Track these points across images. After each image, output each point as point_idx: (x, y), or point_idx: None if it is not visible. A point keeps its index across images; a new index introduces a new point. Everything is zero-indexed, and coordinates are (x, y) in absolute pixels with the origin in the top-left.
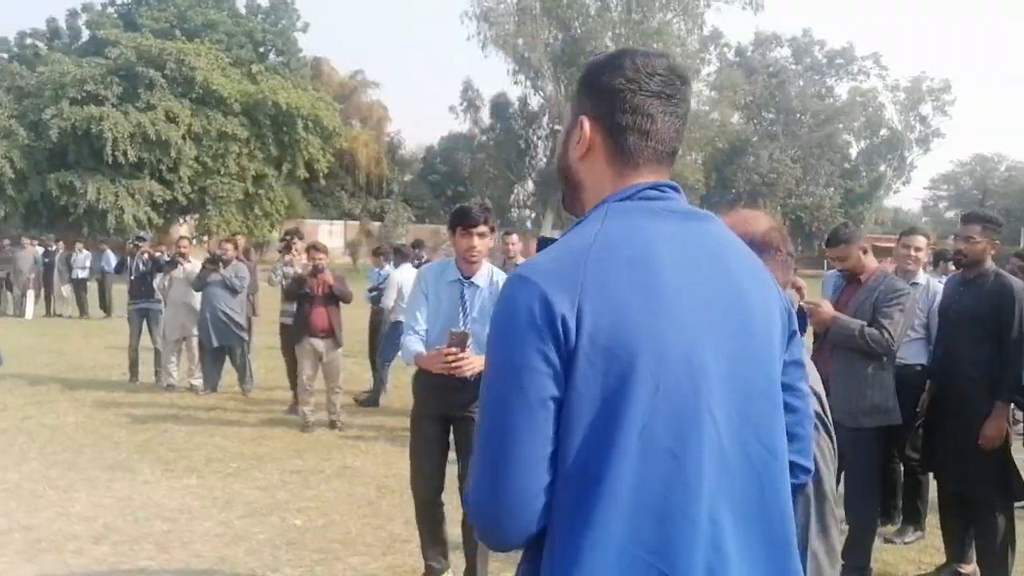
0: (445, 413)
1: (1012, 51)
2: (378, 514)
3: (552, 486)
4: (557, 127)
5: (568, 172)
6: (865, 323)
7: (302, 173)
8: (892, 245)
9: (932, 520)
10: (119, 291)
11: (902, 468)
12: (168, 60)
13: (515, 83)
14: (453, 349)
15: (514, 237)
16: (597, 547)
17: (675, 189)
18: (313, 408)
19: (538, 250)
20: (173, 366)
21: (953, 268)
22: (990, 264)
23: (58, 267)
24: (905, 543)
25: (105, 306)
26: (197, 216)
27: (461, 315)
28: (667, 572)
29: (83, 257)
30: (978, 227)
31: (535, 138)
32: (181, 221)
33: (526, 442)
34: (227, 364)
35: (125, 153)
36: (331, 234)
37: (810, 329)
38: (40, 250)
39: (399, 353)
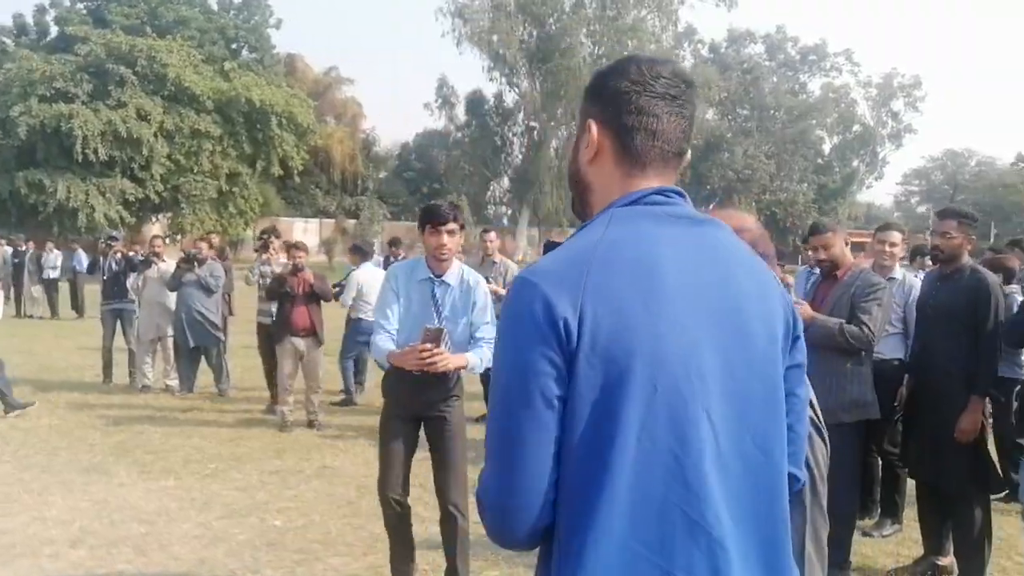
0: (416, 413)
1: (981, 47)
2: (358, 514)
3: (557, 485)
4: (533, 124)
5: (578, 176)
6: (843, 321)
7: (276, 171)
8: (865, 240)
9: (910, 513)
10: (91, 291)
11: (880, 462)
12: (139, 57)
13: (490, 80)
14: (428, 345)
15: (492, 235)
16: (599, 544)
17: (681, 195)
18: (291, 408)
19: (544, 253)
20: (148, 367)
21: (930, 263)
22: (966, 259)
23: (28, 267)
24: (883, 536)
25: (77, 306)
26: (170, 215)
27: (434, 314)
28: (668, 569)
29: (54, 257)
30: (954, 222)
31: (511, 135)
32: (153, 220)
33: (533, 441)
34: (203, 364)
35: (96, 151)
36: (306, 232)
37: None
38: (9, 250)
39: (368, 351)
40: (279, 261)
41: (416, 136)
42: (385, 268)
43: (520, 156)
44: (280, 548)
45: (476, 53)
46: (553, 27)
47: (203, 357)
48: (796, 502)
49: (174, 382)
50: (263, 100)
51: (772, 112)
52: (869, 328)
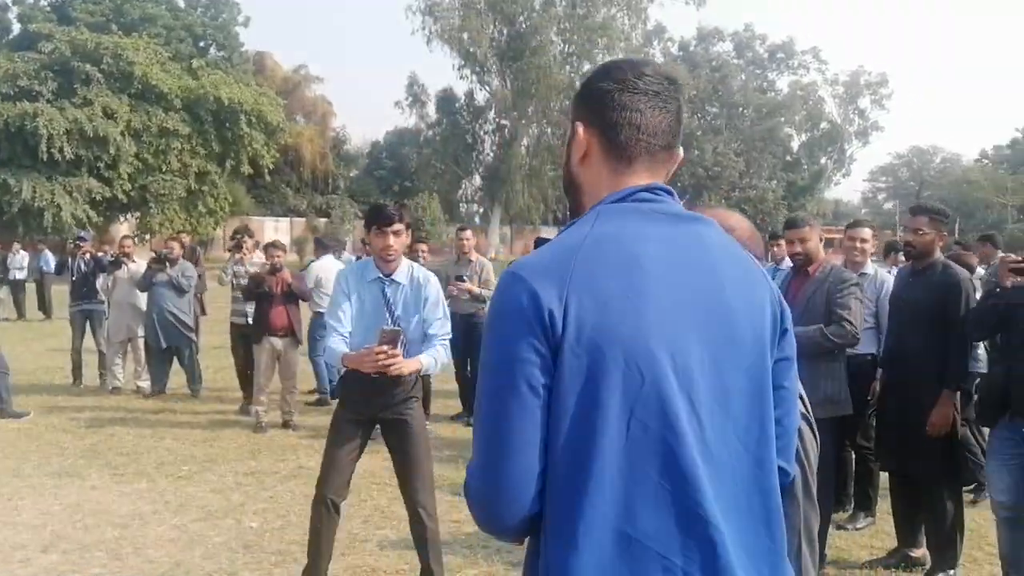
0: (373, 415)
1: (946, 46)
2: None
3: (545, 474)
4: (504, 121)
5: (570, 178)
6: (820, 325)
7: (246, 169)
8: (835, 236)
9: (883, 506)
10: (58, 292)
11: (853, 457)
12: (105, 55)
13: (461, 78)
14: (384, 347)
15: (468, 233)
16: (592, 531)
17: (669, 192)
18: (267, 408)
19: (535, 248)
20: (118, 368)
21: (903, 259)
22: (938, 255)
23: None
24: (857, 529)
25: (44, 308)
26: (138, 215)
27: (387, 313)
28: (664, 555)
29: (20, 257)
30: (926, 219)
31: (482, 133)
32: (122, 220)
33: (519, 428)
34: (174, 365)
35: (61, 150)
36: (277, 231)
37: None
38: None
39: (324, 352)
40: (252, 261)
41: (387, 134)
42: None
43: (491, 154)
44: (257, 550)
45: (446, 51)
46: (523, 25)
47: (175, 358)
48: (789, 497)
49: (145, 383)
50: (232, 98)
51: (741, 110)
52: (851, 323)
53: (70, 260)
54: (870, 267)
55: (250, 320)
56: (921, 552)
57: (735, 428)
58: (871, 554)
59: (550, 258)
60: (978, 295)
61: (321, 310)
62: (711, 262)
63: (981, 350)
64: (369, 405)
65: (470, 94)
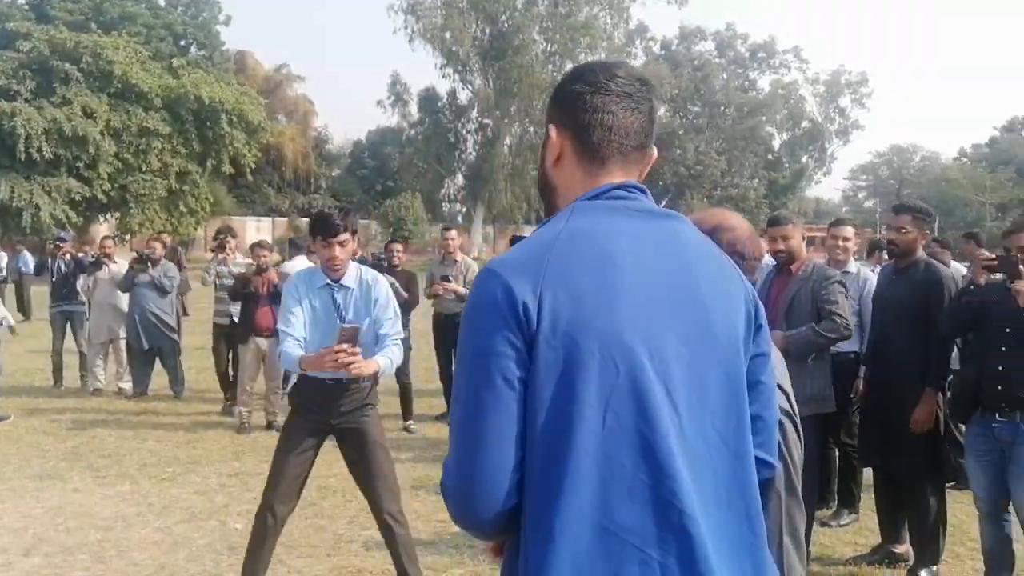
0: (327, 423)
1: (926, 45)
2: (320, 515)
3: (521, 466)
4: (486, 121)
5: (545, 179)
6: (812, 324)
7: (227, 169)
8: (815, 235)
9: (867, 503)
10: (37, 293)
11: (837, 454)
12: (84, 53)
13: (443, 77)
14: (344, 346)
15: (453, 233)
16: (568, 523)
17: (642, 190)
18: (250, 410)
19: (511, 246)
20: (100, 369)
21: (887, 258)
22: (921, 253)
23: None
24: (841, 526)
25: (23, 309)
26: (118, 215)
27: (338, 320)
28: (641, 547)
29: None
30: (909, 217)
31: (464, 132)
32: (101, 220)
33: (495, 421)
34: (156, 366)
35: (40, 149)
36: (259, 231)
37: None
38: None
39: (280, 359)
40: (236, 261)
41: (369, 133)
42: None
43: (474, 153)
44: (242, 551)
45: (429, 50)
46: (506, 24)
47: (157, 359)
48: (770, 491)
49: (127, 385)
50: (212, 97)
51: (723, 109)
52: (841, 315)
53: (50, 261)
54: (853, 265)
55: (235, 320)
56: (904, 548)
57: (713, 421)
58: (855, 550)
59: (525, 254)
60: None
61: None
62: (685, 258)
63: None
64: (325, 412)
65: (452, 93)
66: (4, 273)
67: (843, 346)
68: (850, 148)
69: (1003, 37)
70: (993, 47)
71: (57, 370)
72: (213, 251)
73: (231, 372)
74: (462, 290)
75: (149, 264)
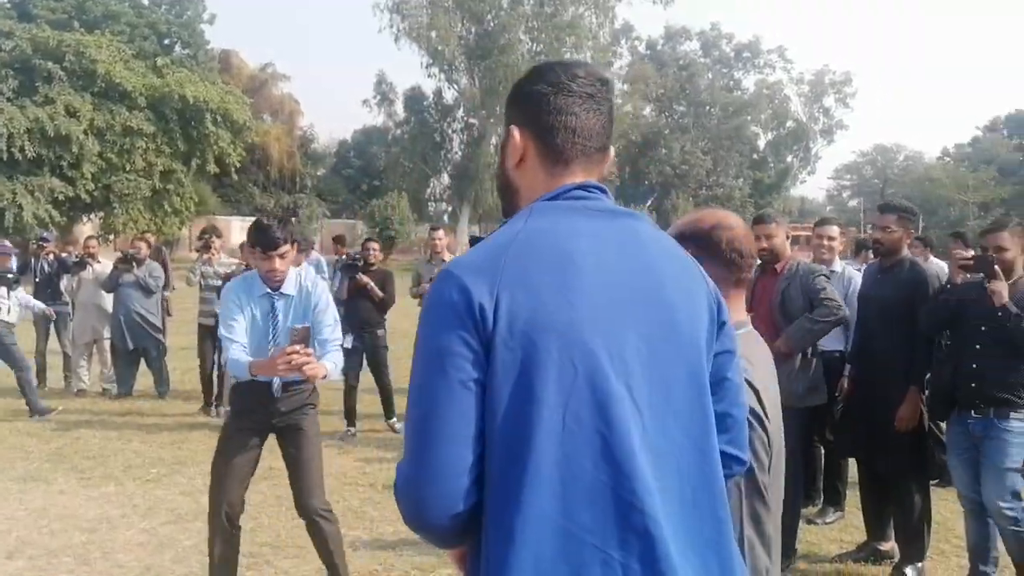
0: (268, 424)
1: (909, 45)
2: None
3: (480, 467)
4: (472, 120)
5: (506, 181)
6: (806, 314)
7: (212, 168)
8: (800, 234)
9: (852, 500)
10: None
11: (823, 451)
12: (67, 52)
13: (429, 76)
14: (297, 347)
15: (440, 233)
16: (529, 525)
17: (602, 190)
18: None
19: (470, 247)
20: (84, 370)
21: (872, 256)
22: (906, 252)
23: None
24: (826, 523)
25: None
26: (102, 214)
27: (271, 329)
28: (602, 548)
29: None
30: (894, 216)
31: (450, 131)
32: (85, 220)
33: (448, 422)
34: (141, 367)
35: (22, 149)
36: (243, 230)
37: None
38: None
39: (227, 366)
40: (220, 261)
41: (355, 133)
42: (339, 267)
43: (460, 153)
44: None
45: (414, 49)
46: (491, 24)
47: (142, 359)
48: (731, 486)
49: (111, 385)
50: (197, 96)
51: (708, 108)
52: (831, 299)
53: (33, 261)
54: (838, 264)
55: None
56: (890, 545)
57: (677, 419)
58: (840, 548)
59: (483, 255)
60: None
61: None
62: (647, 258)
63: None
64: (266, 413)
65: (438, 92)
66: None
67: (828, 344)
68: (834, 148)
69: (986, 38)
70: (976, 48)
71: (41, 371)
72: (198, 251)
73: (217, 373)
74: None
75: (134, 264)
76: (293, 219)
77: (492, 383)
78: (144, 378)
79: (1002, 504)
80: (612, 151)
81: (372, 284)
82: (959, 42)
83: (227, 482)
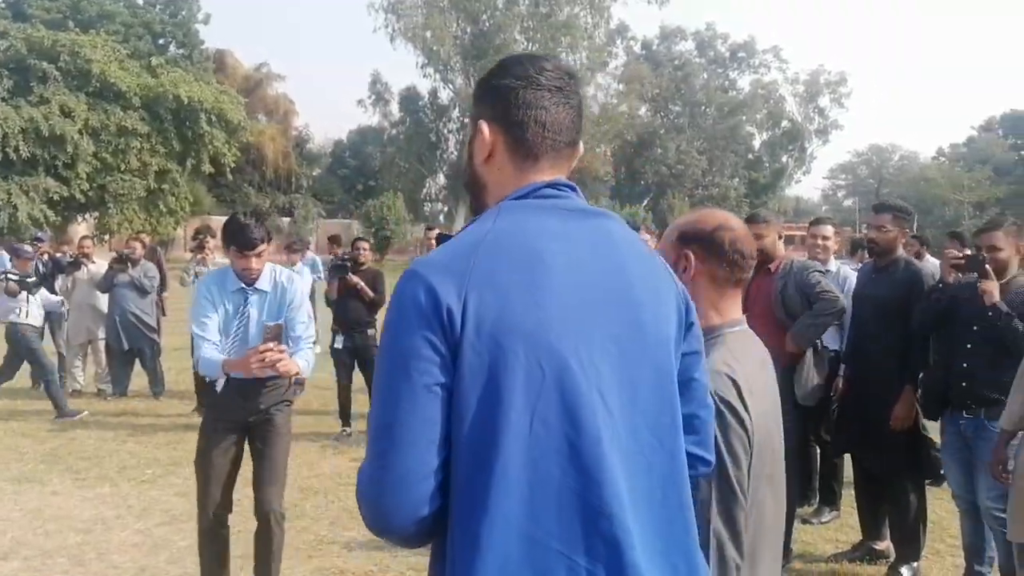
0: (245, 421)
1: (905, 45)
2: (302, 516)
3: (444, 471)
4: (467, 120)
5: (474, 178)
6: (806, 311)
7: (207, 168)
8: (795, 233)
9: (848, 499)
10: None
11: (818, 451)
12: (62, 52)
13: (424, 76)
14: (271, 345)
15: (436, 232)
16: (495, 531)
17: (573, 188)
18: None
19: (437, 246)
20: (78, 370)
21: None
22: (901, 252)
23: None
24: (822, 523)
25: None
26: (97, 214)
27: (236, 324)
28: (568, 555)
29: None
30: (889, 216)
31: (446, 131)
32: (80, 220)
33: (411, 426)
34: (136, 367)
35: (17, 149)
36: None
37: None
38: None
39: (199, 365)
40: (215, 260)
41: (350, 133)
42: (329, 266)
43: (455, 152)
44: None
45: (410, 49)
46: (487, 24)
47: (137, 360)
48: (702, 481)
49: (106, 386)
50: (191, 96)
51: (703, 108)
52: (828, 292)
53: None
54: (833, 264)
55: None
56: (885, 545)
57: (646, 421)
58: (836, 547)
59: (450, 254)
60: None
61: None
62: (618, 257)
63: None
64: (243, 411)
65: (434, 92)
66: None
67: (824, 343)
68: (829, 147)
69: (981, 38)
70: (971, 48)
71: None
72: (192, 251)
73: None
74: None
75: (129, 264)
76: (291, 217)
77: (459, 387)
78: (139, 378)
79: (992, 505)
80: (581, 147)
81: (363, 284)
82: (955, 42)
83: (211, 484)
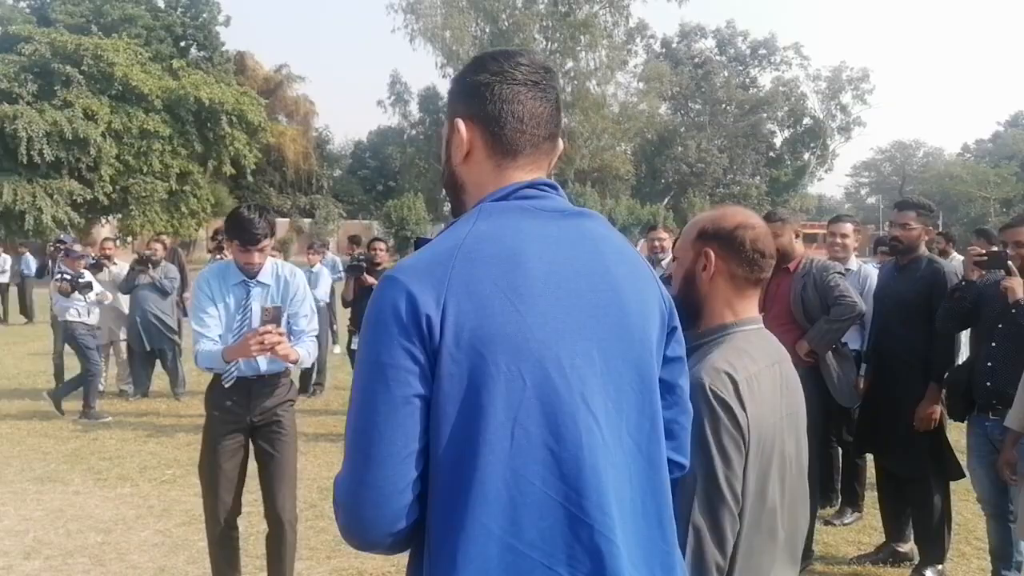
0: (248, 420)
1: (928, 41)
2: (321, 516)
3: (422, 483)
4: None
5: (452, 178)
6: (824, 316)
7: (228, 170)
8: (817, 232)
9: (870, 501)
10: (40, 295)
11: (840, 452)
12: (85, 56)
13: (443, 76)
14: (270, 327)
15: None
16: (474, 541)
17: (554, 187)
18: None
19: (415, 249)
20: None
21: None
22: (923, 250)
23: None
24: (844, 524)
25: (26, 311)
26: (120, 216)
27: (238, 317)
28: (550, 565)
29: (1, 261)
30: (913, 213)
31: None
32: (103, 222)
33: (389, 438)
34: (157, 368)
35: (41, 152)
36: None
37: None
38: None
39: (197, 362)
40: None
41: (370, 134)
42: (345, 267)
43: None
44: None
45: (429, 49)
46: (506, 23)
47: (158, 360)
48: (687, 479)
49: (128, 386)
50: (212, 98)
51: (724, 106)
52: (846, 296)
53: (51, 263)
54: (853, 262)
55: None
56: (909, 547)
57: (627, 427)
58: (859, 549)
59: (429, 260)
60: None
61: None
62: (599, 258)
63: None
64: (245, 409)
65: None
66: (7, 276)
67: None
68: (852, 145)
69: (1006, 31)
70: (996, 41)
71: (58, 372)
72: (211, 251)
73: None
74: None
75: (150, 266)
76: (312, 218)
77: (438, 397)
78: (160, 379)
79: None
80: (561, 143)
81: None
82: (979, 36)
83: (219, 487)
